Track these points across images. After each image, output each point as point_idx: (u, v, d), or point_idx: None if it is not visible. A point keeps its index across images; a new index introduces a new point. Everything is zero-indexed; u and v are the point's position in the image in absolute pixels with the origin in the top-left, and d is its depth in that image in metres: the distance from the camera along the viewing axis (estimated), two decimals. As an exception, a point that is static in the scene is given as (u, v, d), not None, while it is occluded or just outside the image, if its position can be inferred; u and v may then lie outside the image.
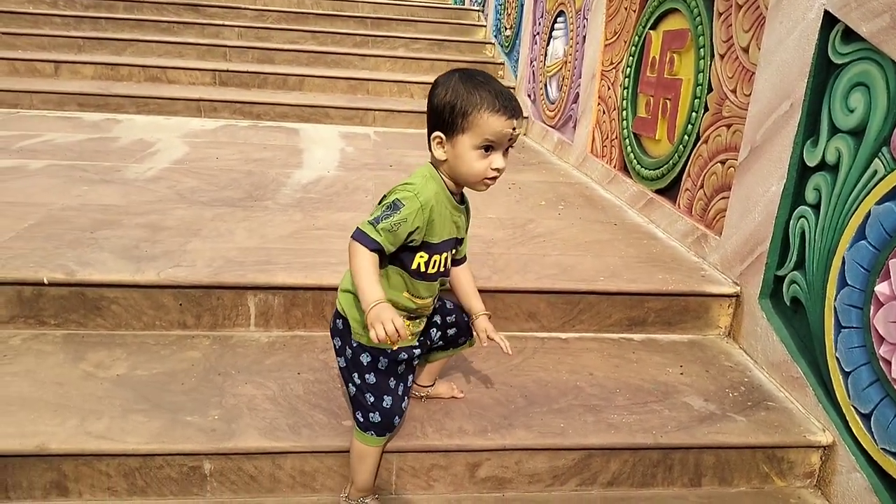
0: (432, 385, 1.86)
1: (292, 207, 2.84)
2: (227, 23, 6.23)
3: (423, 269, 1.49)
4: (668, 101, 2.96)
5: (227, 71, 5.40)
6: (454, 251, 1.59)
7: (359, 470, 1.61)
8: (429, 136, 1.45)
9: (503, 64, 6.04)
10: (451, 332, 1.71)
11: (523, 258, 2.45)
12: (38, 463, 1.60)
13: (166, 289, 2.06)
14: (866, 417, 1.74)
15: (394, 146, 4.36)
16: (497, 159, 1.42)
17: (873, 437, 1.71)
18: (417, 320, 1.59)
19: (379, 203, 1.46)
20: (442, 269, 1.54)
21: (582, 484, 1.80)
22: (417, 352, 1.60)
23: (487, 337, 1.63)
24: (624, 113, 3.39)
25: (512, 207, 3.11)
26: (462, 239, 1.60)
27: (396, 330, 1.29)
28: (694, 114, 2.73)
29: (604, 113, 3.68)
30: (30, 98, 4.66)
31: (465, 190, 1.53)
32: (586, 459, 1.78)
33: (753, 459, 1.84)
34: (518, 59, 5.53)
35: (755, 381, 2.08)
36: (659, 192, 3.01)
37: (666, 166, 2.93)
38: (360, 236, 1.40)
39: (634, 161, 3.25)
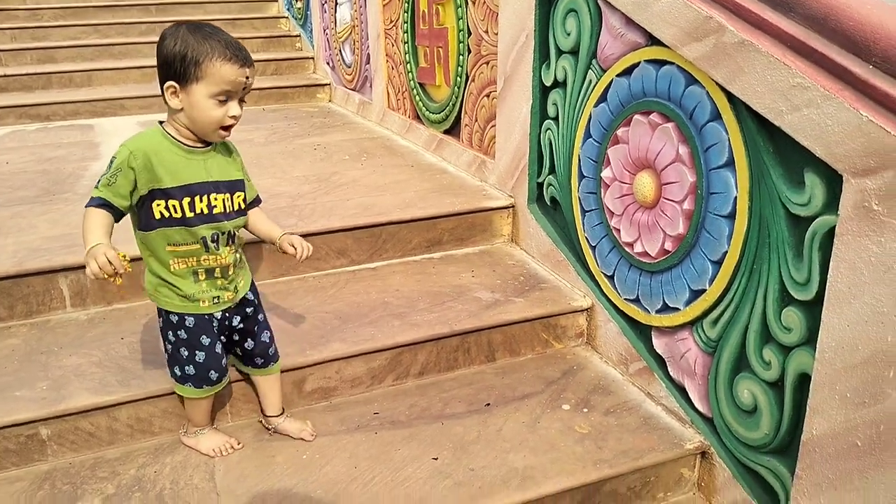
0: (281, 416, 1.86)
1: (95, 195, 2.86)
2: (-4, 26, 5.78)
3: (165, 214, 1.53)
4: (440, 50, 3.29)
5: (5, 76, 5.06)
6: (232, 196, 1.62)
7: (192, 413, 1.79)
8: (161, 86, 1.50)
9: (299, 36, 6.14)
10: (248, 343, 1.76)
11: (328, 205, 2.68)
12: None
13: (-30, 285, 2.07)
14: (610, 278, 2.17)
15: (198, 128, 4.37)
16: (233, 107, 1.50)
17: (618, 291, 2.14)
18: (219, 280, 1.64)
19: None
20: (189, 213, 1.55)
21: (397, 378, 2.09)
22: (218, 315, 1.66)
23: (291, 244, 1.72)
24: (409, 66, 3.68)
25: (317, 165, 3.32)
26: (233, 182, 1.64)
27: (109, 261, 1.37)
28: (461, 57, 3.07)
29: (393, 69, 3.96)
30: None
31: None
32: (397, 356, 2.07)
33: (534, 330, 2.23)
34: (312, 30, 5.65)
35: (531, 272, 2.48)
36: (446, 132, 3.35)
37: (448, 108, 3.26)
38: (90, 202, 1.48)
39: (423, 108, 3.57)
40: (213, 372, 1.70)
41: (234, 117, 1.52)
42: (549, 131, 2.43)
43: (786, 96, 1.42)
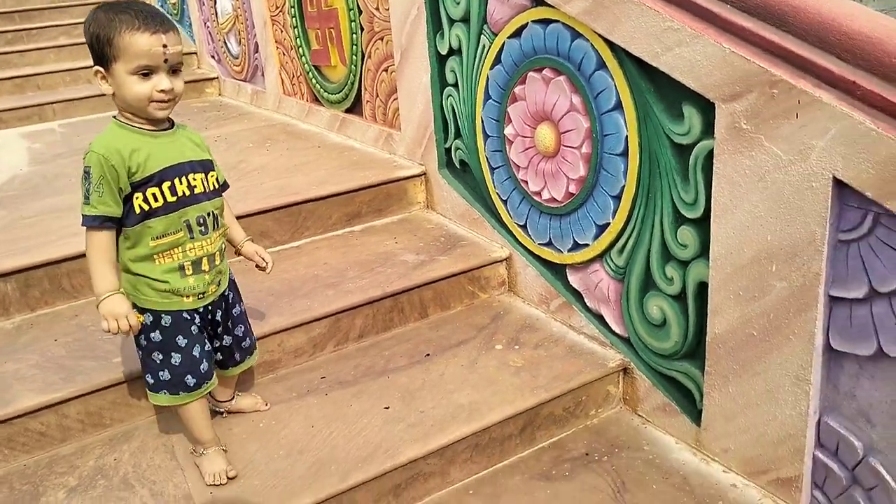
0: (231, 400, 1.87)
1: (-7, 208, 2.75)
2: None
3: (145, 207, 1.48)
4: (331, 31, 3.35)
5: None
6: (207, 175, 1.59)
7: (187, 425, 1.67)
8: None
9: (178, 32, 5.97)
10: (226, 339, 1.73)
11: (242, 190, 2.71)
12: None
13: None
14: (523, 227, 2.35)
15: (84, 133, 4.20)
16: (161, 81, 1.44)
17: (531, 238, 2.32)
18: (206, 274, 1.60)
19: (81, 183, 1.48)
20: (171, 198, 1.51)
21: (338, 344, 2.19)
22: (201, 310, 1.62)
23: (260, 256, 1.77)
24: (301, 50, 3.71)
25: (221, 155, 3.28)
26: (205, 161, 1.60)
27: (130, 326, 1.46)
28: (354, 35, 3.15)
29: (284, 55, 3.97)
30: None
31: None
32: (336, 323, 2.17)
33: (460, 284, 2.38)
34: (191, 24, 5.52)
35: (451, 232, 2.63)
36: (348, 110, 3.42)
37: (346, 87, 3.34)
38: (85, 221, 1.45)
39: (321, 90, 3.62)
40: (189, 377, 1.59)
41: (163, 91, 1.45)
42: (450, 97, 2.57)
43: (659, 39, 1.62)
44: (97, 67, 1.46)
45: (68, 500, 1.63)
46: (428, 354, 2.13)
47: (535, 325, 2.26)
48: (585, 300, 2.16)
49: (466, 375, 2.01)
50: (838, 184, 1.35)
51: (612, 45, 1.79)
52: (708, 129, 1.60)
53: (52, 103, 4.72)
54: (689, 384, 1.86)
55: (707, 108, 1.58)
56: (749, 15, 1.46)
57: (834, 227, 1.39)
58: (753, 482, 1.72)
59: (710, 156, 1.61)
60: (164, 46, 1.43)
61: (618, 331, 2.06)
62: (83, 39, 1.47)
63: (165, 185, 1.50)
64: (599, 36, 1.81)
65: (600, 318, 2.12)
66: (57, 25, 6.00)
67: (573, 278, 2.19)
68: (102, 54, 1.43)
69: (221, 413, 1.89)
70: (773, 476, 1.67)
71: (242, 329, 1.77)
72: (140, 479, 1.69)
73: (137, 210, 1.48)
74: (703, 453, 1.85)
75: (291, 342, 2.10)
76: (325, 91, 3.57)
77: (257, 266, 1.80)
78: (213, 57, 5.24)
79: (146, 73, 1.44)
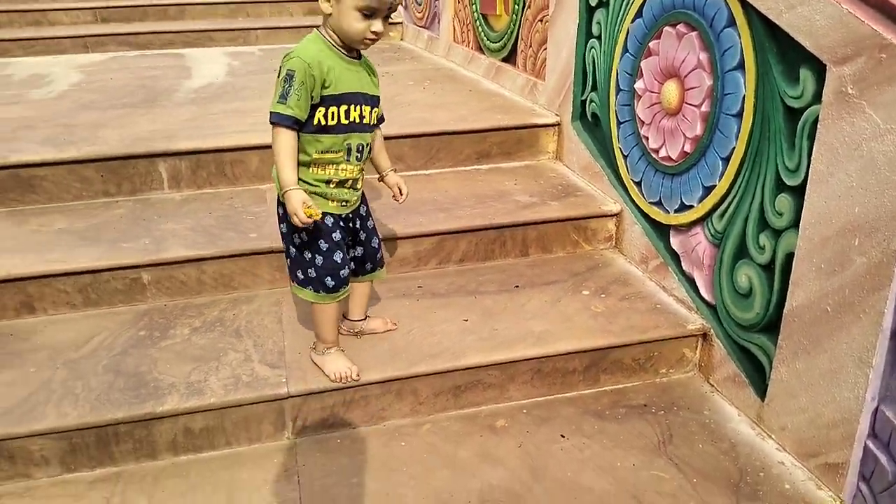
0: (364, 319, 1.99)
1: (188, 104, 3.23)
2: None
3: (323, 122, 1.62)
4: (502, -19, 3.47)
5: (107, 7, 5.54)
6: (373, 110, 1.73)
7: (318, 325, 1.82)
8: None
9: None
10: (358, 249, 1.86)
11: (389, 117, 2.92)
12: (8, 288, 2.03)
13: (88, 163, 2.46)
14: (638, 185, 2.38)
15: (279, 58, 4.70)
16: (376, 24, 1.57)
17: (643, 196, 2.35)
18: (347, 189, 1.74)
19: (275, 85, 1.61)
20: (344, 121, 1.65)
21: (440, 263, 2.38)
22: (343, 215, 1.76)
23: (398, 186, 1.87)
24: (474, -1, 3.88)
25: (382, 88, 3.55)
26: (375, 97, 1.75)
27: (310, 217, 1.57)
28: (520, -14, 3.26)
29: (458, 2, 4.16)
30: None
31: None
32: (441, 242, 2.35)
33: (565, 231, 2.46)
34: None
35: (570, 182, 2.70)
36: (504, 59, 3.55)
37: (506, 37, 3.46)
38: (276, 118, 1.58)
39: (485, 38, 3.77)
40: (329, 279, 1.73)
41: (375, 33, 1.58)
42: (592, 49, 2.61)
43: (786, -3, 1.59)
44: None
45: (191, 335, 1.99)
46: (517, 286, 2.26)
47: (628, 280, 2.30)
48: (682, 263, 2.16)
49: (546, 310, 2.11)
50: (933, 158, 1.29)
51: (743, 2, 1.77)
52: (818, 94, 1.56)
53: (257, 29, 5.31)
54: (762, 357, 1.83)
55: (821, 72, 1.54)
56: (871, -27, 1.40)
57: (923, 205, 1.33)
58: (802, 464, 1.69)
59: (816, 122, 1.57)
60: (393, 1, 1.57)
61: (706, 297, 2.05)
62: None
63: (342, 108, 1.65)
64: (733, -8, 1.79)
65: (692, 282, 2.12)
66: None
67: (675, 240, 2.19)
68: None
69: (356, 333, 1.99)
70: (822, 460, 1.63)
71: (376, 241, 1.90)
72: (249, 332, 2.00)
73: (315, 122, 1.63)
74: (760, 428, 1.82)
75: (399, 251, 2.32)
76: (488, 39, 3.72)
77: (393, 196, 1.90)
78: (401, 3, 5.57)
79: (368, 14, 1.56)
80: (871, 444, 1.51)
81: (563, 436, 1.81)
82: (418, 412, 1.88)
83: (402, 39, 5.50)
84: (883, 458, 1.48)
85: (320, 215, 1.64)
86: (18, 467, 1.68)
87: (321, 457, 1.75)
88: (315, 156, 1.66)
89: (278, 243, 2.12)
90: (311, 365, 1.86)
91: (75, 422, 1.66)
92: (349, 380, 1.80)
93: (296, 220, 1.59)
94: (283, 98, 1.57)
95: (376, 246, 1.90)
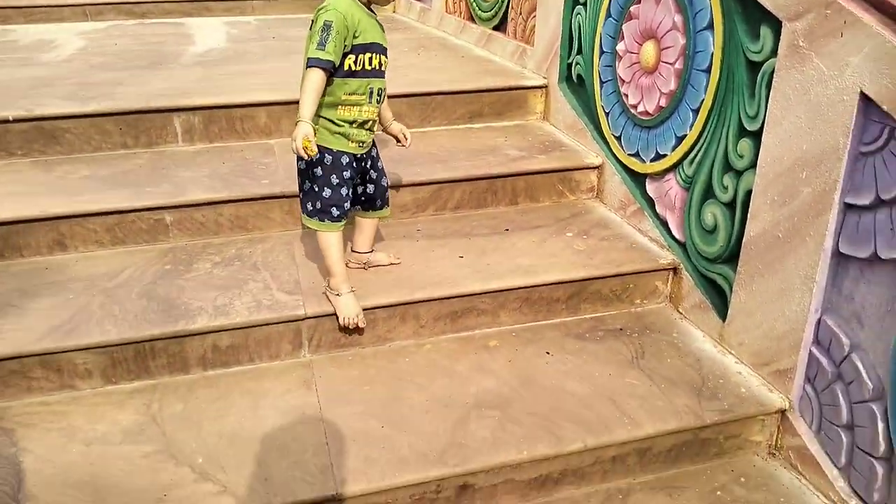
0: (371, 252, 2.20)
1: (195, 66, 3.40)
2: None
3: (353, 67, 1.85)
4: (493, -49, 3.66)
5: (103, -25, 5.65)
6: (385, 59, 1.95)
7: (326, 258, 2.00)
8: None
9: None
10: (370, 187, 2.08)
11: (387, 77, 3.14)
12: (42, 226, 2.22)
13: (108, 116, 2.64)
14: (618, 139, 2.60)
15: (274, 28, 4.86)
16: None
17: (623, 148, 2.57)
18: (365, 130, 1.95)
19: (310, 35, 1.82)
20: (368, 67, 1.88)
21: (437, 210, 2.60)
22: (358, 155, 1.96)
23: (403, 134, 2.12)
24: (465, -30, 4.06)
25: (379, 53, 3.77)
26: (386, 49, 1.95)
27: (306, 149, 1.74)
28: (510, -44, 3.44)
29: (451, -26, 4.34)
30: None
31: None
32: (438, 191, 2.57)
33: (551, 182, 2.69)
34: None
35: (556, 139, 2.92)
36: (495, 28, 3.75)
37: (497, 5, 3.65)
38: (314, 62, 1.77)
39: (476, 8, 3.96)
40: (334, 209, 1.94)
41: None
42: (578, 15, 2.82)
43: (748, -38, 1.81)
44: None
45: (213, 269, 2.19)
46: (507, 230, 2.48)
47: (608, 224, 2.53)
48: (656, 207, 2.39)
49: (534, 248, 2.34)
50: (864, 98, 1.52)
51: (711, -32, 1.98)
52: (775, 49, 1.78)
53: (253, 0, 5.45)
54: (724, 284, 2.07)
55: (778, 29, 1.76)
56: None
57: (856, 139, 1.56)
58: (757, 372, 1.94)
59: (773, 73, 1.79)
60: None
61: (677, 236, 2.29)
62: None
63: (367, 56, 1.88)
64: (703, -41, 2.00)
65: (664, 224, 2.35)
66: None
67: (650, 187, 2.42)
68: None
69: (363, 266, 2.20)
70: (774, 367, 1.88)
71: (385, 181, 2.13)
72: (266, 265, 2.21)
73: (346, 67, 1.85)
74: (722, 346, 2.07)
75: (399, 199, 2.53)
76: (480, 9, 3.91)
77: (398, 142, 2.14)
78: (393, -26, 5.71)
79: None
80: (814, 350, 1.75)
81: (548, 352, 2.05)
82: (420, 334, 2.11)
83: (394, 11, 5.65)
84: (824, 361, 1.72)
85: (316, 153, 1.80)
86: (65, 379, 1.88)
87: (335, 370, 1.98)
88: (343, 97, 1.87)
89: (289, 189, 2.34)
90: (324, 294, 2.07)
91: (117, 337, 1.87)
92: (355, 327, 1.99)
93: (294, 146, 1.77)
94: (322, 45, 1.77)
95: (385, 185, 2.12)
